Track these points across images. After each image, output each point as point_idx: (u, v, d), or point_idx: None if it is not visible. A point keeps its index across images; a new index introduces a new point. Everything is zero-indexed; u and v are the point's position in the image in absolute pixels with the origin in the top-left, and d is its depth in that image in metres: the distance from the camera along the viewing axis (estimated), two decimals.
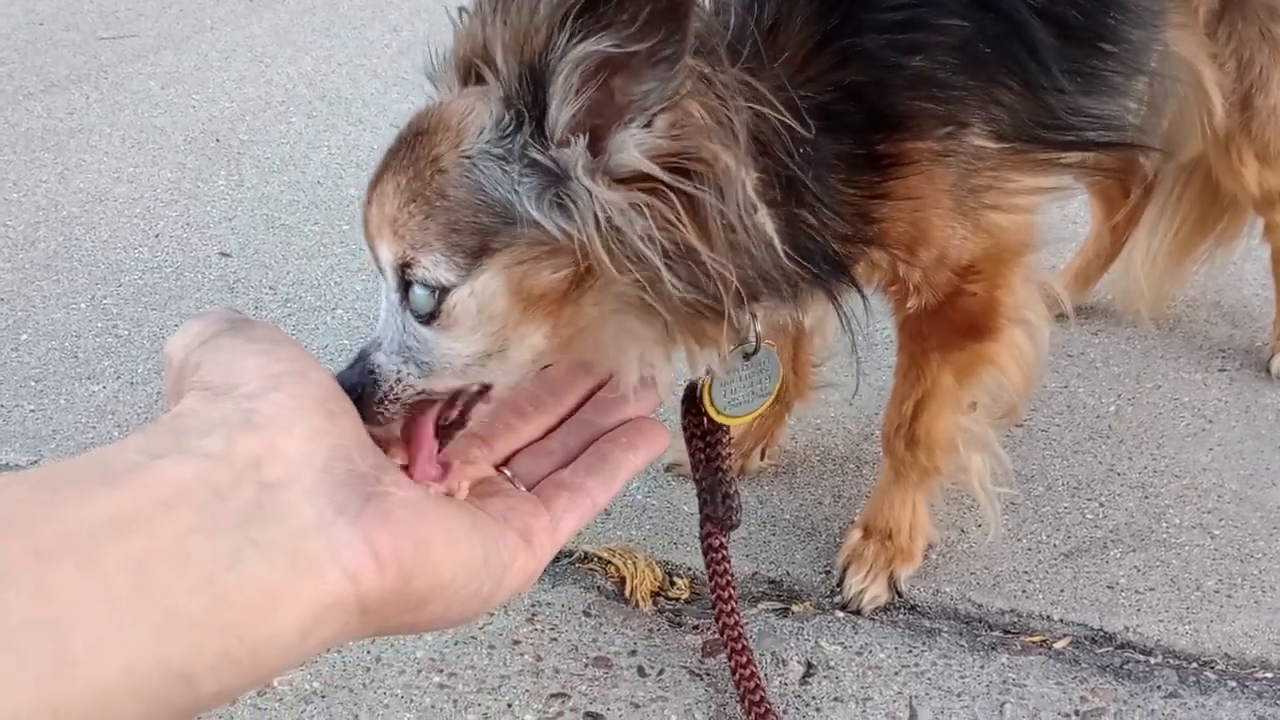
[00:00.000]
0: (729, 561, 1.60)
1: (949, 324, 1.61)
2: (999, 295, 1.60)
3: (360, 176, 3.15)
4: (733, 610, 1.59)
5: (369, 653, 1.65)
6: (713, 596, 1.60)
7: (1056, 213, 1.75)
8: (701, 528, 1.60)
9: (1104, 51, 1.57)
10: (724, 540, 1.60)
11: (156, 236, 2.86)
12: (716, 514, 1.56)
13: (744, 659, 1.55)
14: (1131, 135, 1.75)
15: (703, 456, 1.54)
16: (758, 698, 1.50)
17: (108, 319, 2.50)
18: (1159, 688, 1.58)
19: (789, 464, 2.03)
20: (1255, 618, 1.69)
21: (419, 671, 1.62)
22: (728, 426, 1.54)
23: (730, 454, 1.56)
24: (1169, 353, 2.33)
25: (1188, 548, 1.82)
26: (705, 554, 1.60)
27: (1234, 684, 1.59)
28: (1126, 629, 1.68)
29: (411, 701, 1.57)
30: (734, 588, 1.61)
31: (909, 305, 1.58)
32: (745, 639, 1.57)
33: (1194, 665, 1.62)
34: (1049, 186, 1.60)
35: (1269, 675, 1.60)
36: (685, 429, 1.54)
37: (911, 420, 1.69)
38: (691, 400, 1.53)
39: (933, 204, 1.47)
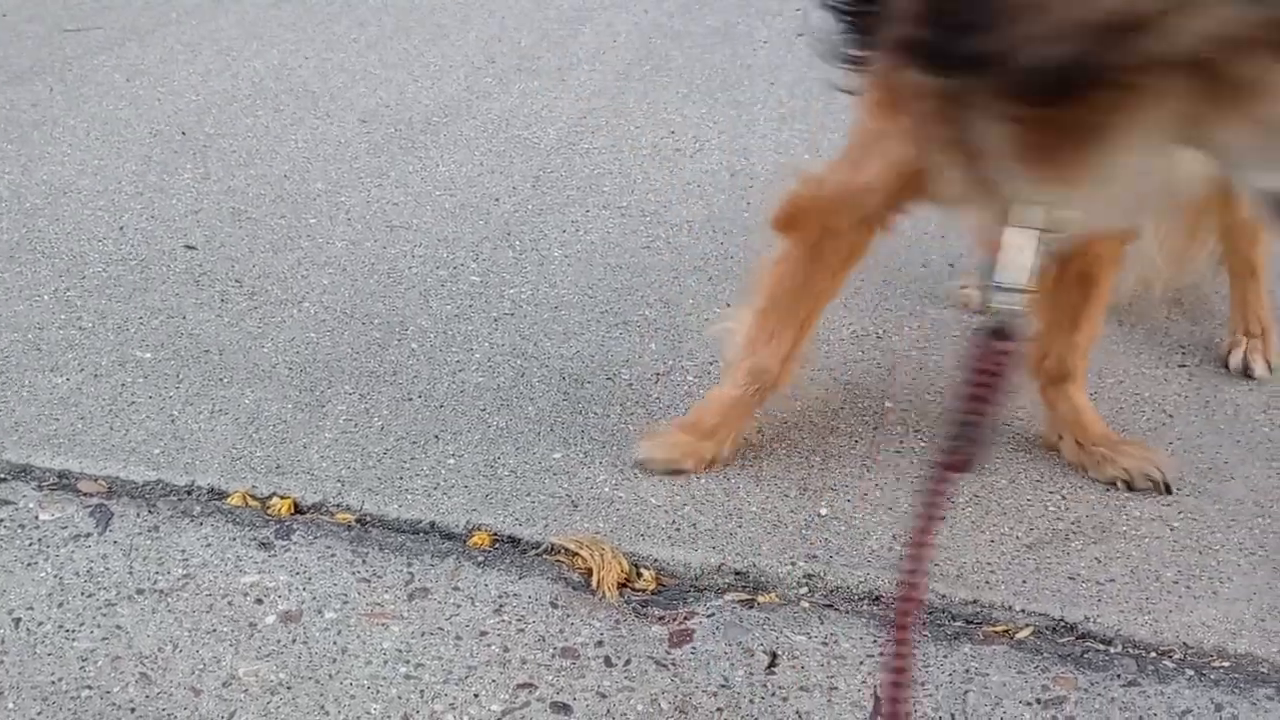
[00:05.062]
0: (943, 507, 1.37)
1: None
2: None
3: (327, 170, 3.14)
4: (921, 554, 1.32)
5: (335, 644, 1.64)
6: (910, 551, 1.33)
7: None
8: (935, 469, 1.36)
9: None
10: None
11: (121, 229, 2.84)
12: (965, 453, 1.36)
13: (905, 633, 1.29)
14: None
15: (977, 392, 1.37)
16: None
17: (71, 311, 2.48)
18: (1119, 676, 1.60)
19: (755, 456, 2.04)
20: (1213, 608, 1.71)
21: (385, 662, 1.62)
22: (1010, 365, 1.39)
23: (1000, 399, 1.39)
24: (1130, 349, 2.36)
25: (1147, 540, 1.85)
26: (929, 495, 1.35)
27: (1192, 672, 1.61)
28: (1087, 619, 1.70)
29: (378, 692, 1.57)
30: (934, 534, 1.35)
31: None
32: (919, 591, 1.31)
33: (1153, 654, 1.65)
34: None
35: (1226, 664, 1.63)
36: (971, 361, 1.38)
37: None
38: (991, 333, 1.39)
39: None
